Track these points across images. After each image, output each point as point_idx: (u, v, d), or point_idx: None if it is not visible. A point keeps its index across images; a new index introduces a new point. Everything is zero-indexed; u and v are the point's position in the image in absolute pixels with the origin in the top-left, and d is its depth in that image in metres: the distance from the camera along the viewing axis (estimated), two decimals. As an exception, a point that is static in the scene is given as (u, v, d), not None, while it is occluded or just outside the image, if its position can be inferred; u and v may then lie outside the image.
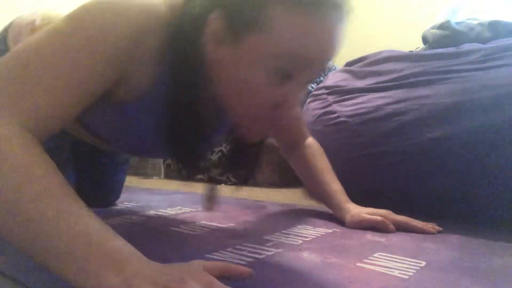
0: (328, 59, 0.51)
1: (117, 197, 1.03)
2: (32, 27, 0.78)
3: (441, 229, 0.75)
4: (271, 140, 1.61)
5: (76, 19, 0.47)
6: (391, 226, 0.74)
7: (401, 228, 0.75)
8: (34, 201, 0.37)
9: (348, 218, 0.79)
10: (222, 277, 0.39)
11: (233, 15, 0.48)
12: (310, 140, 0.92)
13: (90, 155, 0.90)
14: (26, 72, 0.43)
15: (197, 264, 0.39)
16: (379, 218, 0.75)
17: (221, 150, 1.73)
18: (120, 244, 0.38)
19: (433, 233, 0.74)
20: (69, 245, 0.36)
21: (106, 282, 0.35)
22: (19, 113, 0.42)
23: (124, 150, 0.77)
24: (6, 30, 0.80)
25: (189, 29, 0.50)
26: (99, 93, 0.48)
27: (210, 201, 0.78)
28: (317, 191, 0.89)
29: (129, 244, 0.39)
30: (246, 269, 0.41)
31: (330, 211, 0.87)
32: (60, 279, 0.36)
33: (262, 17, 0.46)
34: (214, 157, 1.74)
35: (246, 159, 0.68)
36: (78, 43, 0.45)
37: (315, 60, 0.49)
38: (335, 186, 0.85)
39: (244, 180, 0.69)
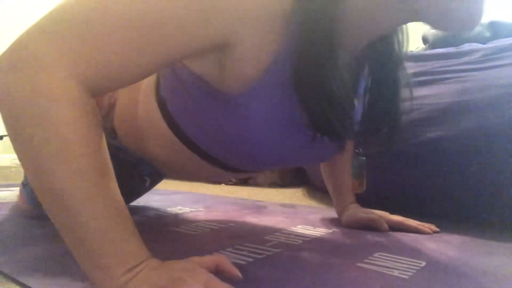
0: None
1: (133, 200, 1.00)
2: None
3: (438, 229, 0.75)
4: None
5: None
6: (385, 225, 0.74)
7: (396, 228, 0.75)
8: (67, 178, 0.35)
9: (344, 216, 0.80)
10: (217, 271, 0.40)
11: None
12: None
13: (135, 175, 0.76)
14: (99, 12, 0.35)
15: (193, 261, 0.40)
16: (375, 216, 0.76)
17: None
18: (133, 246, 0.38)
19: (429, 233, 0.74)
20: (87, 234, 0.36)
21: (109, 281, 0.36)
22: (80, 53, 0.35)
23: (244, 165, 0.58)
24: None
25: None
26: (188, 52, 0.38)
27: (361, 178, 0.70)
28: (328, 180, 0.87)
29: (142, 245, 0.39)
30: (237, 272, 0.41)
31: (330, 211, 0.87)
32: (62, 274, 0.36)
33: None
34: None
35: (387, 117, 0.57)
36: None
37: None
38: (346, 183, 0.83)
39: (388, 145, 0.56)
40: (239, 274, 0.41)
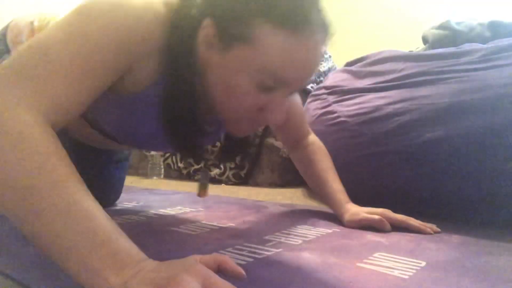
0: (307, 80, 0.55)
1: (117, 196, 1.03)
2: (31, 27, 0.79)
3: (439, 230, 0.75)
4: (271, 141, 1.61)
5: (88, 11, 0.48)
6: (387, 226, 0.75)
7: (399, 226, 0.75)
8: (48, 190, 0.38)
9: (346, 217, 0.79)
10: (219, 270, 0.39)
11: (223, 25, 0.51)
12: (313, 137, 0.92)
13: (89, 154, 0.89)
14: (45, 61, 0.44)
15: (193, 258, 0.39)
16: (376, 217, 0.75)
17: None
18: (124, 245, 0.38)
19: (431, 234, 0.74)
20: (75, 240, 0.37)
21: (106, 283, 0.35)
22: (40, 100, 0.43)
23: (128, 143, 0.77)
24: (3, 32, 0.81)
25: (185, 29, 0.53)
26: (111, 81, 0.50)
27: (203, 188, 0.83)
28: (318, 190, 0.90)
29: (132, 244, 0.39)
30: (241, 271, 0.40)
31: (330, 211, 0.87)
32: (62, 273, 0.36)
33: (249, 31, 0.49)
34: (214, 157, 1.74)
35: (237, 149, 0.73)
36: (93, 32, 0.47)
37: (296, 78, 0.53)
38: (336, 186, 0.85)
39: (240, 163, 0.77)
40: (243, 272, 0.39)
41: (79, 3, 0.50)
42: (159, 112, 0.57)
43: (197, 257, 0.39)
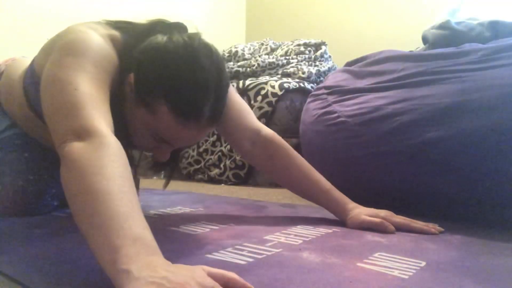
0: (191, 145, 0.67)
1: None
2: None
3: (442, 229, 0.75)
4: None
5: (75, 50, 0.61)
6: (391, 228, 0.74)
7: (401, 229, 0.75)
8: (109, 181, 0.46)
9: (348, 219, 0.79)
10: (226, 286, 0.39)
11: (139, 88, 0.65)
12: (267, 131, 0.86)
13: None
14: (81, 93, 0.56)
15: (202, 269, 0.40)
16: (378, 220, 0.75)
17: (221, 150, 1.73)
18: (147, 236, 0.42)
19: (435, 233, 0.74)
20: (111, 216, 0.42)
21: (119, 262, 0.38)
22: (103, 120, 0.54)
23: None
24: None
25: (123, 66, 0.67)
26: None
27: None
28: (307, 191, 0.85)
29: (154, 240, 0.43)
30: (250, 286, 0.40)
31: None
32: (62, 273, 0.36)
33: (153, 104, 0.63)
34: (214, 157, 1.74)
35: (166, 163, 0.82)
36: (90, 60, 0.61)
37: (179, 144, 0.72)
38: (327, 184, 0.83)
39: (169, 174, 0.86)
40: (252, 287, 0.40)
41: (60, 45, 0.63)
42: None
43: (206, 268, 0.40)
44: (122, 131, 0.65)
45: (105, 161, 0.48)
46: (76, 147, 0.50)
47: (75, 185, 0.47)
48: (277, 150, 0.84)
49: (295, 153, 0.85)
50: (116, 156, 0.50)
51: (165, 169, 0.86)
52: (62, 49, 0.62)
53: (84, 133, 0.51)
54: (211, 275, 0.39)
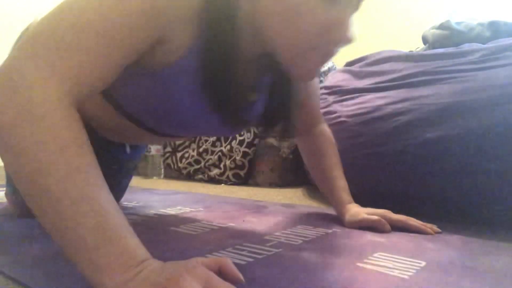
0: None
1: (119, 200, 1.03)
2: None
3: (439, 230, 0.75)
4: (271, 141, 1.61)
5: None
6: (387, 226, 0.74)
7: (399, 227, 0.75)
8: (63, 178, 0.37)
9: (347, 217, 0.79)
10: (220, 271, 0.39)
11: None
12: (324, 127, 0.89)
13: (101, 162, 0.86)
14: (77, 30, 0.42)
15: (195, 260, 0.39)
16: (376, 217, 0.75)
17: (221, 150, 1.73)
18: (130, 244, 0.38)
19: (431, 234, 0.74)
20: (83, 233, 0.36)
21: (108, 280, 0.36)
22: (70, 72, 0.41)
23: (164, 129, 0.68)
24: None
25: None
26: (139, 51, 0.47)
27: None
28: (322, 185, 0.88)
29: (139, 243, 0.40)
30: (240, 276, 0.40)
31: (330, 211, 0.87)
32: (62, 273, 0.36)
33: None
34: (214, 157, 1.74)
35: (282, 112, 0.66)
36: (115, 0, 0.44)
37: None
38: (340, 183, 0.84)
39: (283, 135, 0.73)
40: (242, 277, 0.40)
41: None
42: (198, 82, 0.53)
43: (199, 259, 0.40)
44: (235, 81, 0.52)
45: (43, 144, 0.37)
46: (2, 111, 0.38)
47: (18, 177, 0.38)
48: (322, 144, 0.87)
49: (334, 149, 0.87)
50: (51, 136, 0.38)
51: (276, 123, 0.70)
52: None
53: (13, 79, 0.39)
54: (204, 265, 0.39)
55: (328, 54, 0.55)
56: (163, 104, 0.58)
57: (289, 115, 0.67)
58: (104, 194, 0.39)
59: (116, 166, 0.92)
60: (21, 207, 0.83)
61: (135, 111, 0.62)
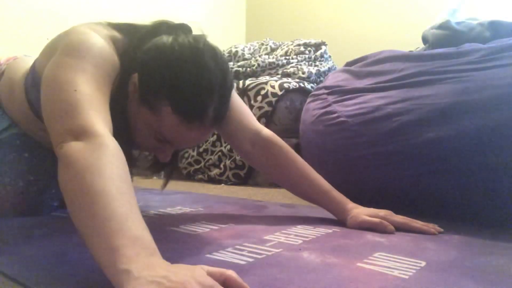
0: (193, 146, 0.68)
1: None
2: None
3: (442, 230, 0.75)
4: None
5: (78, 50, 0.61)
6: (390, 228, 0.74)
7: (401, 229, 0.75)
8: (107, 181, 0.46)
9: (348, 219, 0.79)
10: (224, 284, 0.39)
11: (143, 88, 0.65)
12: (268, 133, 0.85)
13: None
14: (81, 94, 0.56)
15: (202, 268, 0.40)
16: (377, 220, 0.75)
17: (221, 150, 1.73)
18: (146, 236, 0.42)
19: (434, 234, 0.74)
20: (111, 217, 0.42)
21: (119, 262, 0.38)
22: (100, 120, 0.54)
23: None
24: None
25: (125, 69, 0.67)
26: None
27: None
28: (307, 191, 0.85)
29: (153, 241, 0.43)
30: (247, 286, 0.40)
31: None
32: (62, 274, 0.36)
33: (156, 105, 0.64)
34: (214, 157, 1.74)
35: (165, 163, 0.81)
36: (92, 62, 0.61)
37: (181, 145, 0.72)
38: (326, 185, 0.83)
39: (169, 174, 0.87)
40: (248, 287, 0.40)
41: (61, 46, 0.63)
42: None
43: (205, 267, 0.40)
44: (123, 132, 0.65)
45: (103, 161, 0.48)
46: (74, 148, 0.50)
47: (72, 186, 0.47)
48: (277, 151, 0.84)
49: (294, 154, 0.85)
50: (114, 157, 0.50)
51: (165, 169, 0.86)
52: (63, 50, 0.62)
53: (82, 134, 0.51)
54: (210, 274, 0.39)
55: (168, 154, 0.72)
56: None
57: (173, 165, 0.84)
58: (132, 195, 0.47)
59: None
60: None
61: None
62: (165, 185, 0.88)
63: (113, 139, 0.53)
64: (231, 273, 0.41)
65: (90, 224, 0.43)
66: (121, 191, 0.46)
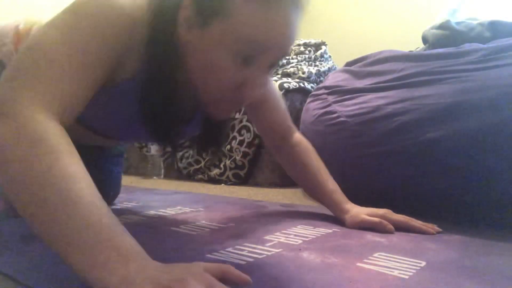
0: (285, 47, 0.56)
1: (117, 193, 1.03)
2: (16, 31, 0.83)
3: (440, 230, 0.75)
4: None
5: (78, 10, 0.52)
6: (389, 227, 0.74)
7: (400, 227, 0.75)
8: (58, 184, 0.40)
9: (347, 219, 0.79)
10: (223, 279, 0.39)
11: (201, 2, 0.53)
12: (298, 136, 0.90)
13: (82, 150, 0.88)
14: (47, 61, 0.47)
15: (198, 265, 0.39)
16: (377, 219, 0.75)
17: (221, 150, 1.73)
18: (128, 241, 0.39)
19: (432, 234, 0.74)
20: (79, 234, 0.38)
21: (109, 277, 0.36)
22: (50, 99, 0.45)
23: (114, 136, 0.79)
24: None
25: (165, 16, 0.55)
26: (106, 74, 0.53)
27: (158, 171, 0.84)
28: (314, 191, 0.89)
29: (135, 242, 0.40)
30: (247, 277, 0.40)
31: (329, 211, 0.87)
32: (62, 274, 0.36)
33: (226, 4, 0.51)
34: (214, 157, 1.74)
35: (215, 137, 0.74)
36: (85, 29, 0.50)
37: (272, 47, 0.54)
38: (332, 186, 0.85)
39: (213, 153, 0.80)
40: (249, 278, 0.40)
41: (69, 3, 0.53)
42: (140, 103, 0.59)
43: (202, 264, 0.40)
44: (169, 102, 0.58)
45: (33, 156, 0.41)
46: None
47: (14, 190, 0.41)
48: (300, 151, 0.88)
49: (314, 155, 0.89)
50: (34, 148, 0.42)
51: (210, 147, 0.77)
52: (65, 8, 0.53)
53: (4, 110, 0.43)
54: (207, 270, 0.39)
55: (237, 104, 0.62)
56: (114, 115, 0.66)
57: (219, 143, 0.77)
58: (95, 197, 0.41)
59: (99, 151, 0.95)
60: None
61: (92, 122, 0.70)
62: (214, 153, 0.84)
63: (51, 124, 0.44)
64: (228, 267, 0.40)
65: (57, 240, 0.39)
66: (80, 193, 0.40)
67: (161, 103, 0.58)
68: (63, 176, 0.40)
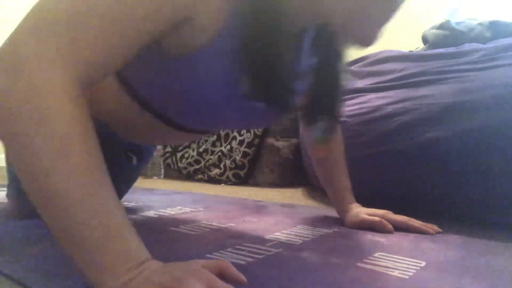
0: None
1: (128, 187, 0.98)
2: None
3: (440, 230, 0.75)
4: (271, 141, 1.61)
5: None
6: (389, 226, 0.74)
7: (400, 227, 0.75)
8: (66, 176, 0.35)
9: (347, 218, 0.79)
10: (221, 275, 0.39)
11: None
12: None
13: (121, 153, 0.81)
14: (81, 10, 0.38)
15: (196, 262, 0.39)
16: (377, 219, 0.75)
17: (221, 150, 1.73)
18: (133, 244, 0.38)
19: (432, 234, 0.74)
20: (86, 232, 0.36)
21: (111, 279, 0.36)
22: (78, 56, 0.37)
23: (194, 124, 0.62)
24: None
25: None
26: (158, 33, 0.42)
27: (325, 141, 0.72)
28: (325, 182, 0.87)
29: (141, 244, 0.39)
30: (243, 278, 0.40)
31: (330, 211, 0.87)
32: (62, 274, 0.36)
33: None
34: (214, 157, 1.74)
35: (329, 103, 0.62)
36: None
37: None
38: (344, 183, 0.83)
39: (328, 132, 0.63)
40: (244, 279, 0.40)
41: None
42: (233, 64, 0.47)
43: (200, 261, 0.40)
44: (280, 59, 0.46)
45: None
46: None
47: (23, 170, 0.36)
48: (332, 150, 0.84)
49: (339, 152, 0.85)
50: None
51: (325, 122, 0.67)
52: None
53: (14, 61, 0.35)
54: (205, 267, 0.39)
55: (385, 18, 0.52)
56: (193, 94, 0.51)
57: (335, 104, 0.62)
58: (107, 193, 0.38)
59: (118, 172, 0.88)
60: (22, 210, 0.82)
61: (162, 106, 0.57)
62: (325, 140, 0.70)
63: (77, 105, 0.37)
64: (226, 264, 0.41)
65: (64, 234, 0.37)
66: (86, 190, 0.36)
67: (268, 49, 0.45)
68: (71, 166, 0.36)
